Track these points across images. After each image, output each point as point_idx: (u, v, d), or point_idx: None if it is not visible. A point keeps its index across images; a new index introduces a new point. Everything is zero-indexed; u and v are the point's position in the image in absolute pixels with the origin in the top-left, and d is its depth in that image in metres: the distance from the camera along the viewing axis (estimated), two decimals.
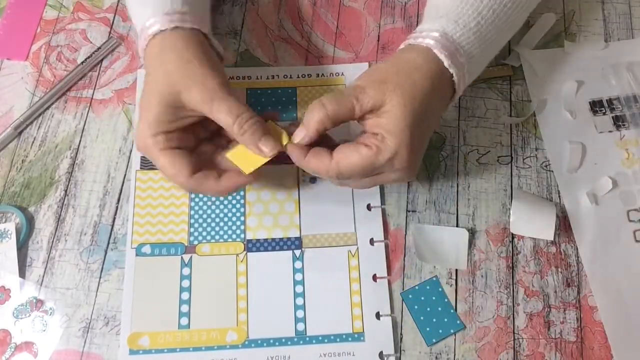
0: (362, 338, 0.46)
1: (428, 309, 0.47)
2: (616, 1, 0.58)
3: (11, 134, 0.52)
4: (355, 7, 0.58)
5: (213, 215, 0.49)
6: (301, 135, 0.43)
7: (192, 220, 0.49)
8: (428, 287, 0.48)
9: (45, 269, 0.48)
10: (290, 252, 0.48)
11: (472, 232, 0.49)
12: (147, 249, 0.48)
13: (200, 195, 0.50)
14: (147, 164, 0.51)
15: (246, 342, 0.45)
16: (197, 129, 0.45)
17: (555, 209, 0.47)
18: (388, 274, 0.48)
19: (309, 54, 0.56)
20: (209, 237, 0.49)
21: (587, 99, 0.54)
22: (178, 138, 0.44)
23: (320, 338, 0.46)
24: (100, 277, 0.48)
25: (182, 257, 0.48)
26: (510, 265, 0.48)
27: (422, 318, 0.46)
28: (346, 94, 0.42)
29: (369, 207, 0.50)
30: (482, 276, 0.48)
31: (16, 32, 0.57)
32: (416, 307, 0.47)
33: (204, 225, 0.49)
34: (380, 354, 0.45)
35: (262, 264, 0.48)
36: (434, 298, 0.47)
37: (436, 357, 0.46)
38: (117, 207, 0.50)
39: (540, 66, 0.55)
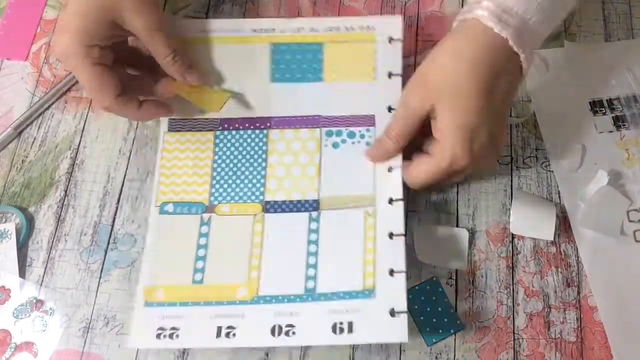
0: (372, 295, 0.45)
1: (428, 309, 0.47)
2: (616, 1, 0.58)
3: (11, 134, 0.52)
4: (355, 7, 0.58)
5: (234, 177, 0.49)
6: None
7: (214, 182, 0.49)
8: (428, 287, 0.48)
9: (45, 269, 0.48)
10: (307, 214, 0.48)
11: (472, 232, 0.49)
12: (169, 207, 0.48)
13: (224, 157, 0.50)
14: (175, 126, 0.51)
15: (255, 299, 0.45)
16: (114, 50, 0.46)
17: (555, 209, 0.48)
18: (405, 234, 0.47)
19: None
20: (228, 198, 0.49)
21: (587, 99, 0.54)
22: (107, 55, 0.45)
23: (329, 295, 0.45)
24: (100, 277, 0.48)
25: (202, 216, 0.48)
26: (510, 265, 0.48)
27: (422, 318, 0.46)
28: (403, 107, 0.45)
29: (389, 169, 0.49)
30: (482, 276, 0.48)
31: (16, 32, 0.57)
32: (416, 307, 0.47)
33: (225, 186, 0.49)
34: (392, 311, 0.44)
35: (278, 224, 0.48)
36: (434, 298, 0.47)
37: (436, 357, 0.45)
38: (117, 207, 0.50)
39: (540, 66, 0.55)
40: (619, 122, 0.53)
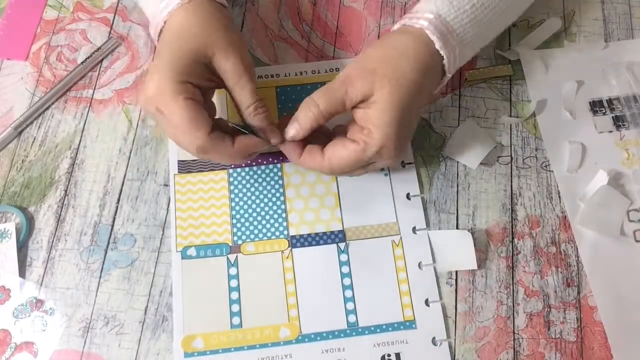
0: (413, 325, 0.46)
1: None
2: (616, 1, 0.58)
3: (11, 134, 0.52)
4: (355, 7, 0.58)
5: (255, 214, 0.49)
6: (293, 132, 0.44)
7: (234, 220, 0.49)
8: None
9: (45, 269, 0.48)
10: (334, 246, 0.48)
11: (472, 232, 0.49)
12: (192, 252, 0.48)
13: (240, 195, 0.50)
14: (184, 168, 0.51)
15: (299, 337, 0.46)
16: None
17: (491, 145, 0.50)
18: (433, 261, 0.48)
19: (309, 54, 0.56)
20: (252, 236, 0.49)
21: (587, 99, 0.54)
22: (198, 94, 0.43)
23: (372, 328, 0.46)
24: (100, 277, 0.48)
25: (227, 257, 0.48)
26: (510, 265, 0.48)
27: None
28: (336, 87, 0.43)
29: (408, 197, 0.50)
30: (482, 276, 0.48)
31: (16, 32, 0.57)
32: None
33: (247, 224, 0.49)
34: (433, 340, 0.45)
35: (307, 259, 0.48)
36: None
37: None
38: (117, 207, 0.50)
39: (540, 66, 0.55)
40: (619, 122, 0.53)
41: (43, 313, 0.46)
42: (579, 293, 0.47)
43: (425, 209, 0.50)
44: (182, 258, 0.48)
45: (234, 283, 0.47)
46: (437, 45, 0.43)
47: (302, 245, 0.48)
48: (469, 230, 0.49)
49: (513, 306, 0.47)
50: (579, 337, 0.46)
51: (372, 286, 0.47)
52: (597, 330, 0.46)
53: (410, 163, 0.51)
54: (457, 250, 0.48)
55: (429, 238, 0.48)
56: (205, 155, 0.43)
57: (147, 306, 0.47)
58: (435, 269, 0.48)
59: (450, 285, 0.48)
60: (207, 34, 0.43)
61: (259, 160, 0.51)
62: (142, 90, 0.42)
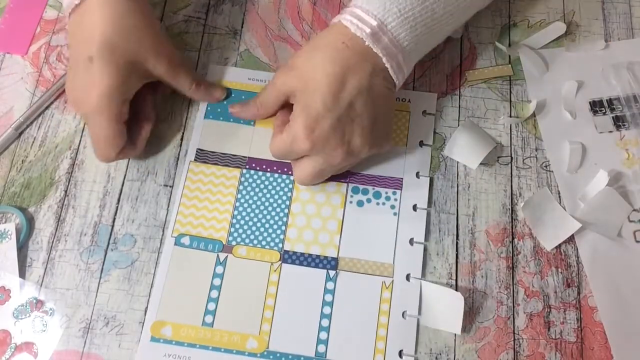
0: None
1: None
2: (616, 1, 0.58)
3: (12, 135, 0.52)
4: None
5: (255, 220, 0.49)
6: (234, 109, 0.51)
7: (234, 221, 0.49)
8: None
9: (45, 269, 0.48)
10: (324, 271, 0.47)
11: (472, 232, 0.49)
12: (186, 240, 0.48)
13: (247, 197, 0.50)
14: (202, 157, 0.51)
15: (265, 353, 0.45)
16: None
17: (492, 145, 0.50)
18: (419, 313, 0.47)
19: None
20: (247, 240, 0.48)
21: (587, 99, 0.54)
22: (128, 110, 0.47)
23: None
24: (100, 278, 0.48)
25: (218, 255, 0.48)
26: (511, 265, 0.48)
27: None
28: (271, 82, 0.48)
29: (411, 242, 0.48)
30: (482, 276, 0.48)
31: (16, 32, 0.57)
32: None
33: (245, 227, 0.49)
34: None
35: (295, 277, 0.47)
36: None
37: (436, 358, 0.46)
38: (117, 208, 0.50)
39: (540, 66, 0.55)
40: (619, 122, 0.53)
41: (43, 313, 0.47)
42: (579, 293, 0.47)
43: (425, 257, 0.48)
44: (175, 244, 0.48)
45: (217, 282, 0.47)
46: (352, 30, 0.44)
47: (293, 263, 0.48)
48: (469, 231, 0.49)
49: (513, 306, 0.47)
50: (579, 337, 0.46)
51: (350, 322, 0.46)
52: (597, 331, 0.46)
53: (423, 209, 0.50)
54: (445, 309, 0.46)
55: (420, 289, 0.47)
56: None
57: (147, 307, 0.47)
58: (418, 321, 0.46)
59: (450, 286, 0.48)
60: (136, 39, 0.45)
61: (274, 168, 0.51)
62: (72, 100, 0.46)
